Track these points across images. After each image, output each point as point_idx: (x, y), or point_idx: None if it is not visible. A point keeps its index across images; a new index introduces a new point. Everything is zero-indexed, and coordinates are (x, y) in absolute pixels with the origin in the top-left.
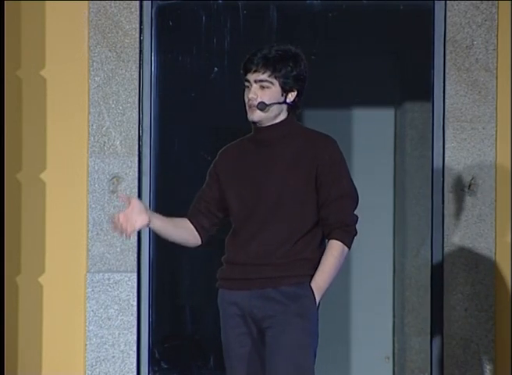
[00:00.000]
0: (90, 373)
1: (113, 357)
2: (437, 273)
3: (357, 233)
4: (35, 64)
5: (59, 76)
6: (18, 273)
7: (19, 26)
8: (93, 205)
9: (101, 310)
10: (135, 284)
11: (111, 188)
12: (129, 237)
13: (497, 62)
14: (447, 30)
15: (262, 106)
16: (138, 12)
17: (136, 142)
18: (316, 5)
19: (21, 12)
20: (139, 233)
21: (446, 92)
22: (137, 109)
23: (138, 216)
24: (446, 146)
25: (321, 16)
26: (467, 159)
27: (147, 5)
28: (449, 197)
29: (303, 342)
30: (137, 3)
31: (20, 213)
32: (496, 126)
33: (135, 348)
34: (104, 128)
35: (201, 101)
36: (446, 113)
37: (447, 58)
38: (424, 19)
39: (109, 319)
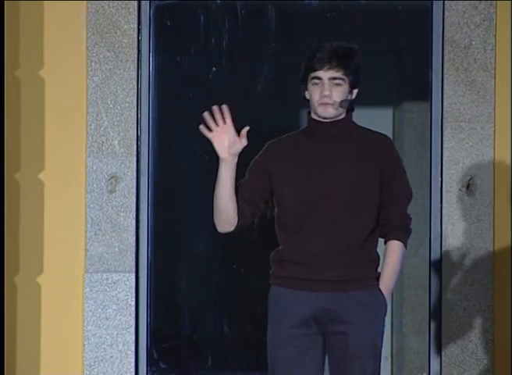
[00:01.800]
0: (88, 373)
1: (111, 357)
2: (435, 273)
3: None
4: (33, 64)
5: (57, 76)
6: (16, 273)
7: (17, 26)
8: (91, 205)
9: (99, 310)
10: (133, 284)
11: (109, 188)
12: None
13: (495, 62)
14: (445, 30)
15: (346, 104)
16: (136, 12)
17: (135, 142)
18: (314, 5)
19: (19, 12)
20: (137, 233)
21: (445, 92)
22: (135, 109)
23: (226, 139)
24: (444, 146)
25: (319, 16)
26: (465, 159)
27: (145, 5)
28: (447, 197)
29: (378, 351)
30: (135, 3)
31: (19, 213)
32: (495, 126)
33: (133, 348)
34: (102, 128)
35: (200, 101)
36: (444, 113)
37: (445, 58)
38: (422, 19)
39: (107, 319)
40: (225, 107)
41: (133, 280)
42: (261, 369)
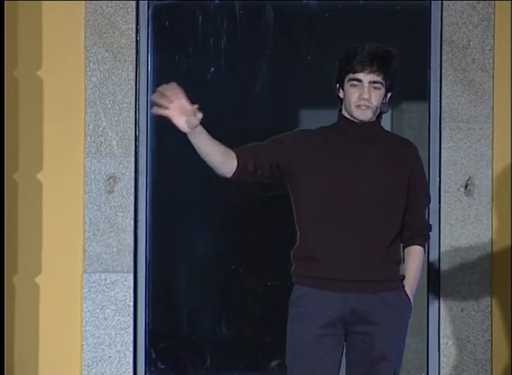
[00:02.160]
0: (86, 373)
1: (110, 357)
2: (434, 273)
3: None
4: (32, 64)
5: (56, 76)
6: (15, 273)
7: (15, 26)
8: (89, 206)
9: (98, 310)
10: (131, 285)
11: (107, 188)
12: (156, 112)
13: (494, 63)
14: (444, 31)
15: (386, 109)
16: (134, 13)
17: (133, 142)
18: (312, 5)
19: (18, 12)
20: (135, 233)
21: (443, 92)
22: (134, 109)
23: (182, 115)
24: (442, 146)
25: (317, 16)
26: (463, 159)
27: (143, 5)
28: (445, 197)
29: (401, 353)
30: (134, 3)
31: (17, 213)
32: (493, 127)
33: (131, 349)
34: (100, 128)
35: (198, 101)
36: (442, 113)
37: (444, 58)
38: (420, 19)
39: (106, 319)
40: (173, 84)
41: (132, 280)
42: (260, 370)
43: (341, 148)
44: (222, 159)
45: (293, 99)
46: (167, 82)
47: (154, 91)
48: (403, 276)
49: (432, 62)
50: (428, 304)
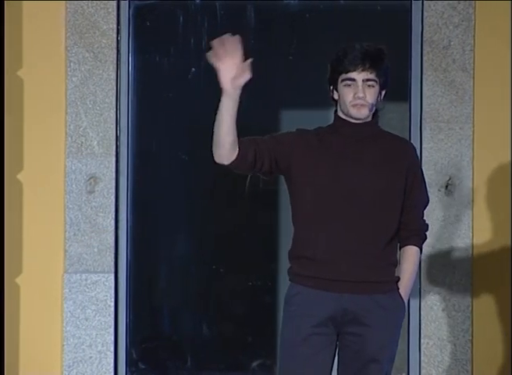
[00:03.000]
0: (67, 373)
1: (90, 358)
2: None
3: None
4: (12, 64)
5: (36, 76)
6: None
7: None
8: (70, 206)
9: (79, 311)
10: (112, 285)
11: (88, 189)
12: (219, 61)
13: (474, 63)
14: (424, 31)
15: (382, 106)
16: (115, 13)
17: (114, 142)
18: (293, 6)
19: None
20: (116, 233)
21: (423, 93)
22: (115, 110)
23: (235, 73)
24: (423, 146)
25: (298, 17)
26: (444, 160)
27: (124, 5)
28: None
29: (393, 355)
30: (114, 3)
31: None
32: (473, 127)
33: (112, 349)
34: (81, 128)
35: (179, 101)
36: (423, 114)
37: (424, 58)
38: (401, 19)
39: (86, 319)
40: (237, 37)
41: (113, 280)
42: (241, 370)
43: (338, 149)
44: (232, 143)
45: (275, 99)
46: (148, 82)
47: (134, 91)
48: (398, 278)
49: (412, 62)
50: (409, 304)
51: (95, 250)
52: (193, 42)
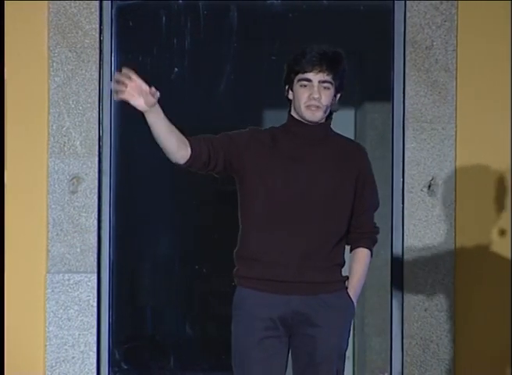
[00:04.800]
0: (50, 373)
1: (73, 358)
2: (397, 273)
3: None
4: None
5: (19, 76)
6: None
7: None
8: (53, 206)
9: (61, 311)
10: (95, 285)
11: (71, 189)
12: (118, 97)
13: (457, 63)
14: (407, 31)
15: (336, 108)
16: (98, 13)
17: (97, 142)
18: (276, 6)
19: None
20: (99, 233)
21: (406, 93)
22: (97, 110)
23: (140, 95)
24: (405, 146)
25: (281, 17)
26: (426, 160)
27: (106, 5)
28: (408, 197)
29: (343, 353)
30: (97, 3)
31: None
32: (456, 127)
33: (95, 349)
34: (64, 128)
35: (162, 101)
36: (405, 114)
37: (407, 58)
38: (384, 19)
39: (69, 319)
40: (126, 69)
41: (95, 280)
42: (224, 370)
43: (290, 150)
44: (177, 144)
45: (257, 99)
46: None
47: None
48: (347, 277)
49: (395, 62)
50: (392, 304)
51: (78, 250)
52: (176, 42)
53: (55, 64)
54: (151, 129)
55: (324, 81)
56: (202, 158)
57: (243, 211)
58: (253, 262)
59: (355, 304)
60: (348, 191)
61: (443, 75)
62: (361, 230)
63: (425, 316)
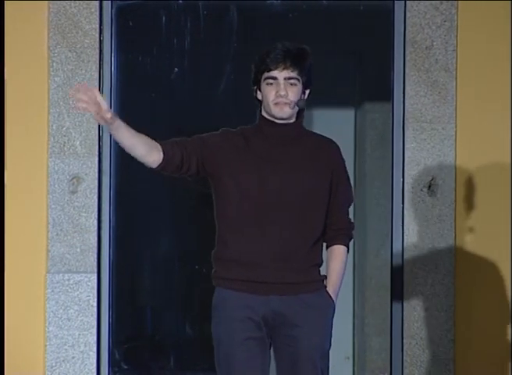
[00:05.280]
0: (50, 373)
1: (73, 358)
2: (397, 273)
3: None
4: None
5: (19, 76)
6: None
7: None
8: (53, 206)
9: (61, 311)
10: (95, 285)
11: (71, 189)
12: (80, 109)
13: (457, 63)
14: (407, 31)
15: (303, 104)
16: (98, 13)
17: (97, 142)
18: (276, 6)
19: None
20: (99, 233)
21: (406, 93)
22: None
23: (101, 110)
24: (405, 146)
25: (281, 17)
26: (426, 160)
27: (106, 5)
28: (409, 197)
29: (327, 352)
30: (97, 3)
31: None
32: (456, 127)
33: (95, 349)
34: (64, 128)
35: (161, 101)
36: (405, 114)
37: (407, 58)
38: (384, 19)
39: (69, 319)
40: (84, 84)
41: (95, 280)
42: None
43: (262, 150)
44: (145, 151)
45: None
46: (131, 82)
47: (117, 91)
48: (325, 277)
49: (395, 62)
50: (392, 304)
51: (78, 250)
52: (176, 42)
53: (54, 64)
54: (117, 140)
55: (289, 78)
56: (175, 161)
57: (218, 213)
58: (232, 263)
59: (335, 302)
60: (323, 189)
61: (443, 75)
62: (337, 226)
63: (425, 316)
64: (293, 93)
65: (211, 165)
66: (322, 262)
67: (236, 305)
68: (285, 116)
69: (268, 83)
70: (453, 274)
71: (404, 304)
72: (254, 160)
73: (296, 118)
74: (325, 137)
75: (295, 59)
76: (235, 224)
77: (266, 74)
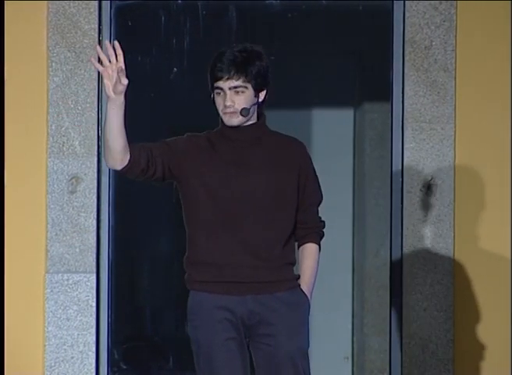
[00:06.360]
0: (49, 373)
1: (72, 358)
2: (396, 273)
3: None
4: None
5: (18, 76)
6: None
7: None
8: (52, 206)
9: (60, 311)
10: (94, 285)
11: (70, 189)
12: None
13: (456, 63)
14: (406, 31)
15: (246, 112)
16: (97, 13)
17: (96, 142)
18: (276, 6)
19: None
20: (98, 233)
21: (405, 93)
22: (96, 109)
23: (116, 80)
24: (405, 146)
25: (280, 17)
26: (425, 160)
27: (105, 5)
28: (408, 197)
29: (306, 350)
30: (96, 3)
31: None
32: (455, 127)
33: (94, 349)
34: (63, 128)
35: (161, 101)
36: (405, 114)
37: (406, 58)
38: (383, 19)
39: (68, 319)
40: (117, 43)
41: (94, 280)
42: None
43: (227, 153)
44: (122, 147)
45: None
46: (130, 83)
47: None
48: (298, 276)
49: (394, 62)
50: (391, 304)
51: (77, 250)
52: (175, 42)
53: (54, 64)
54: (106, 122)
55: (235, 87)
56: (140, 165)
57: (187, 216)
58: (205, 265)
59: (310, 300)
60: (290, 188)
61: (442, 75)
62: (307, 225)
63: (424, 316)
64: (241, 101)
65: (177, 168)
66: (295, 261)
67: (213, 306)
68: (235, 124)
69: (217, 93)
70: (452, 274)
71: (403, 304)
72: (220, 163)
73: (258, 118)
74: (290, 137)
75: (240, 67)
76: (205, 226)
77: (214, 84)
